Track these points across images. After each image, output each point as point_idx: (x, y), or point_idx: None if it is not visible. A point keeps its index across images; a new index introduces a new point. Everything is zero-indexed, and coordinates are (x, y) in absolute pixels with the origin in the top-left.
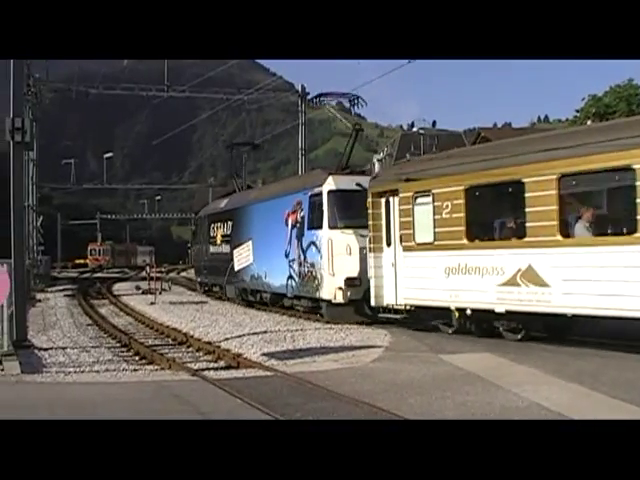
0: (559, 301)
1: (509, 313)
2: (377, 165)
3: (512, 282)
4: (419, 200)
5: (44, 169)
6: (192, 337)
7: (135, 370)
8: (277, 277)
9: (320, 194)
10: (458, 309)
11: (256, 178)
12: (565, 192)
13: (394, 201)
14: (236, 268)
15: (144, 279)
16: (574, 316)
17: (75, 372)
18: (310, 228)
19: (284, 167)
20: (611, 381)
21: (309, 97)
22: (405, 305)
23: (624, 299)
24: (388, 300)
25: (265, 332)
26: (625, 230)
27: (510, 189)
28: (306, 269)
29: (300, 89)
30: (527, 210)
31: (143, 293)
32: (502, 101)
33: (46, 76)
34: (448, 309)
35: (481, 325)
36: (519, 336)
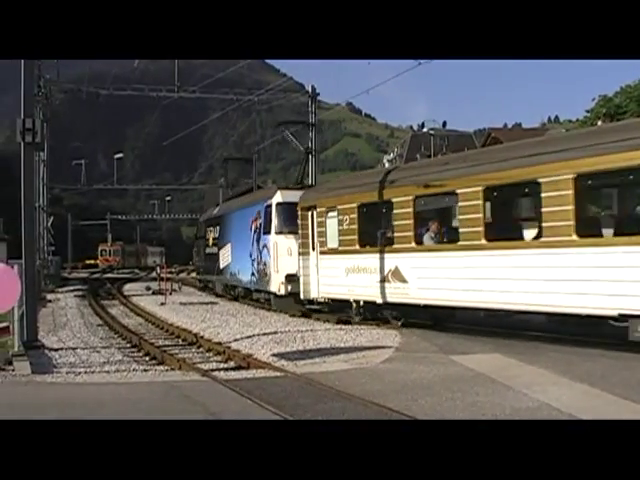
0: (415, 294)
1: (387, 304)
2: (387, 165)
3: (386, 279)
4: (329, 214)
5: (55, 170)
6: (202, 338)
7: (145, 370)
8: (245, 274)
9: (271, 205)
10: (355, 301)
11: (266, 179)
12: (418, 209)
13: (314, 214)
14: (221, 267)
15: (154, 280)
16: (426, 306)
17: (85, 372)
18: (264, 233)
19: (294, 168)
20: (621, 382)
21: (277, 123)
22: (323, 298)
23: (453, 292)
24: (313, 294)
25: (275, 333)
26: (453, 239)
27: (385, 207)
28: (262, 267)
29: (310, 90)
30: (394, 223)
31: (153, 294)
32: (513, 101)
33: (57, 77)
34: (348, 301)
35: (374, 314)
36: (400, 323)
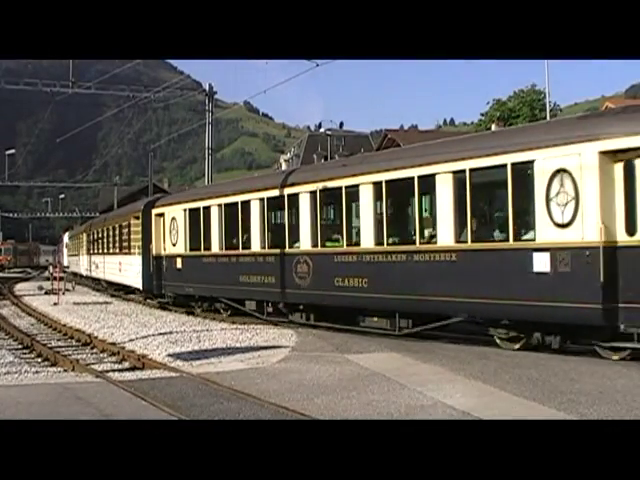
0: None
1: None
2: (284, 165)
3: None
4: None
5: None
6: (96, 338)
7: (37, 372)
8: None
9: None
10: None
11: (162, 177)
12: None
13: None
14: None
15: (47, 279)
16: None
17: None
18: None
19: (190, 166)
20: (514, 379)
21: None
22: None
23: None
24: None
25: (170, 333)
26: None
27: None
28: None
29: (207, 88)
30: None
31: (46, 293)
32: (409, 103)
33: None
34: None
35: None
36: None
